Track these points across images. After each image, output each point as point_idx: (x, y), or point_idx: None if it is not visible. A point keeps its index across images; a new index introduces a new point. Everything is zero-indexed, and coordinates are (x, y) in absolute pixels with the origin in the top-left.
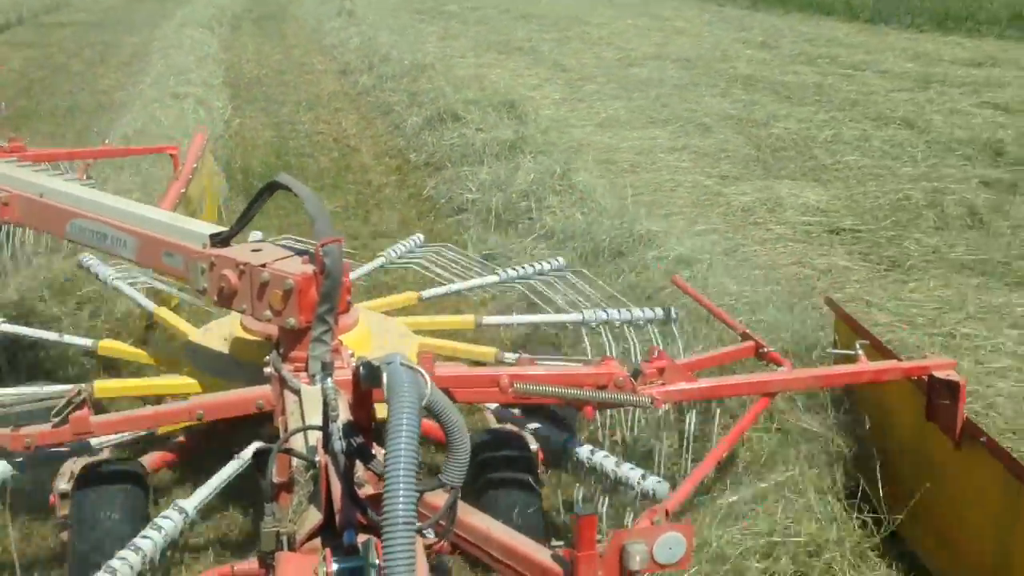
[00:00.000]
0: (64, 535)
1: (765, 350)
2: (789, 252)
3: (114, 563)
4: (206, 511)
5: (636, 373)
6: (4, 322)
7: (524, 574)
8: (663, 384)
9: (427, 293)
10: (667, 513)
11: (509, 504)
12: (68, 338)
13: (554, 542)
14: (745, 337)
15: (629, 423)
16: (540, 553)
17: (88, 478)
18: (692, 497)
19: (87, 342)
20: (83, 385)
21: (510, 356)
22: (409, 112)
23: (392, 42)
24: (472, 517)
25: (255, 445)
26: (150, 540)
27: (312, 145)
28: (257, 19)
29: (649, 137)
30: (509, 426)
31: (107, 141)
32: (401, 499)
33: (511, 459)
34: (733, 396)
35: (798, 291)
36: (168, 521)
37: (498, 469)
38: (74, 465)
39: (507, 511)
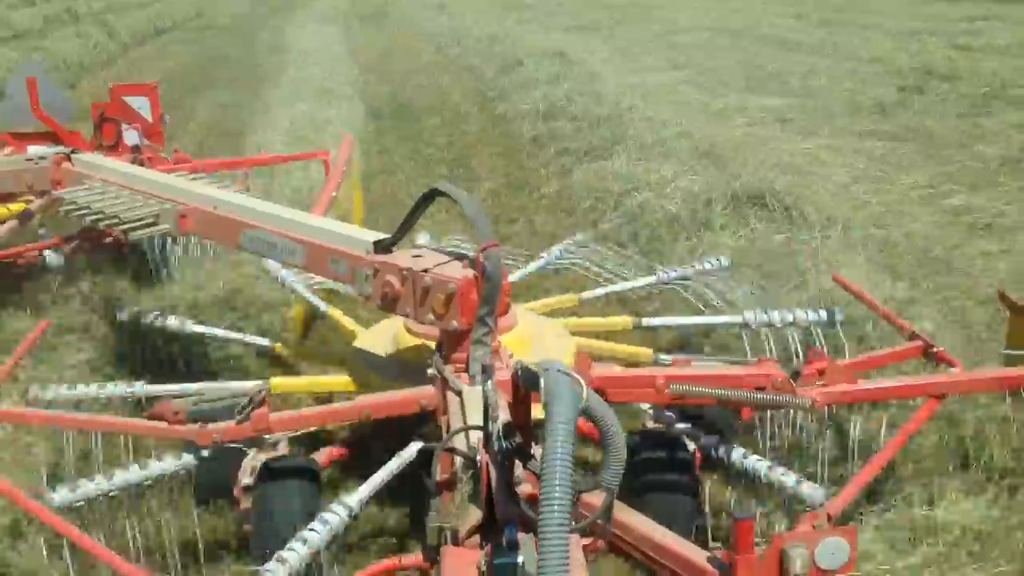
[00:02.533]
0: (247, 527)
1: (934, 350)
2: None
3: (284, 554)
4: (369, 504)
5: (795, 375)
6: (192, 322)
7: (681, 575)
8: (824, 385)
9: (586, 295)
10: (828, 518)
11: (667, 506)
12: (248, 337)
13: (712, 544)
14: (912, 337)
15: (787, 426)
16: (697, 555)
17: (268, 474)
18: (854, 502)
19: (264, 341)
20: (262, 383)
21: (666, 357)
22: (487, 67)
23: (476, 23)
24: (630, 517)
25: (416, 445)
26: (317, 533)
27: (416, 91)
28: (362, 16)
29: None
30: (667, 427)
31: (261, 151)
32: (557, 501)
33: (669, 461)
34: (899, 399)
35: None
36: (334, 516)
37: (656, 471)
38: (255, 461)
39: (665, 513)
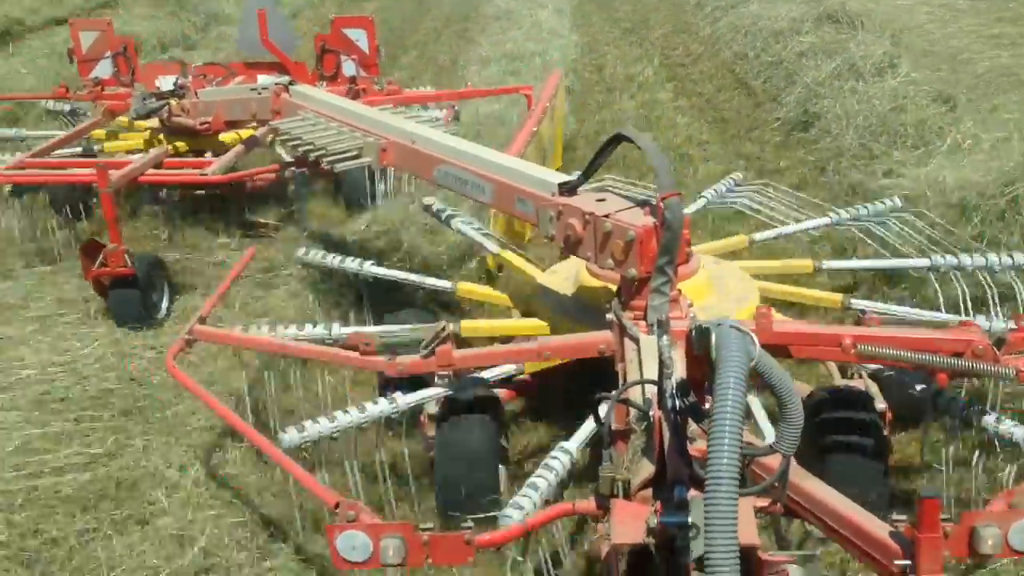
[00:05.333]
0: (431, 453)
1: None
2: None
3: (519, 499)
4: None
5: (1000, 341)
6: (372, 264)
7: (860, 547)
8: None
9: (758, 236)
10: None
11: (850, 470)
12: (430, 280)
13: (895, 516)
14: None
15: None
16: (879, 528)
17: (452, 406)
18: None
19: (447, 284)
20: (446, 322)
21: (859, 303)
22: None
23: None
24: (808, 483)
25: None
26: (544, 479)
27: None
28: None
29: None
30: (855, 382)
31: (468, 84)
32: (725, 463)
33: (854, 421)
34: None
35: None
36: (557, 461)
37: (839, 432)
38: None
39: (848, 478)
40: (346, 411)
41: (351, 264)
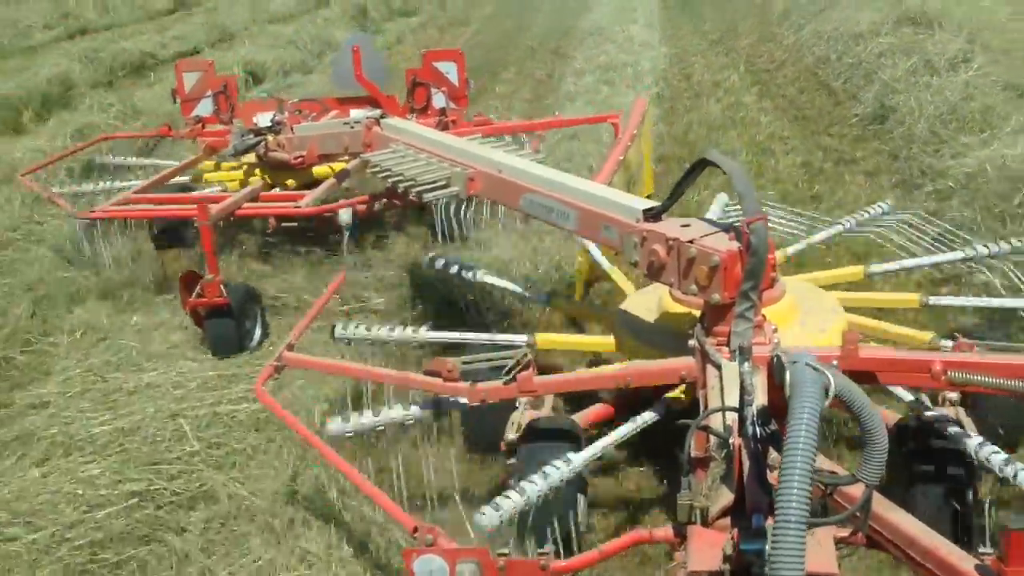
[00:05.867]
0: (509, 481)
1: None
2: None
3: (499, 500)
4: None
5: None
6: (485, 273)
7: None
8: None
9: (874, 268)
10: None
11: (935, 502)
12: (502, 337)
13: (982, 549)
14: None
15: None
16: (964, 561)
17: (531, 433)
18: None
19: (522, 339)
20: (527, 346)
21: (948, 343)
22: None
23: None
24: (892, 513)
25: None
26: (535, 485)
27: None
28: None
29: None
30: (945, 411)
31: (556, 113)
32: (795, 497)
33: (943, 450)
34: None
35: None
36: (555, 470)
37: (926, 461)
38: (521, 418)
39: (933, 509)
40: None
41: (402, 333)
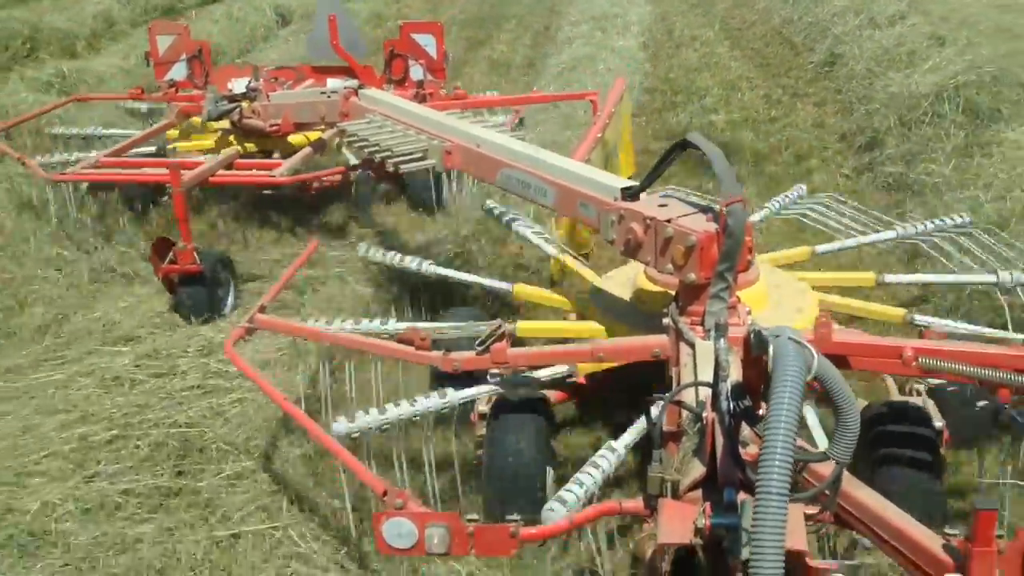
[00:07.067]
0: (480, 451)
1: None
2: None
3: (563, 494)
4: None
5: None
6: (431, 264)
7: (911, 559)
8: None
9: (821, 248)
10: None
11: (904, 484)
12: (488, 281)
13: (948, 530)
14: None
15: None
16: (931, 541)
17: (503, 404)
18: None
19: (505, 285)
20: (501, 320)
21: (922, 318)
22: None
23: None
24: (861, 492)
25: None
26: (591, 476)
27: None
28: None
29: None
30: (913, 399)
31: (535, 88)
32: (776, 469)
33: (910, 436)
34: None
35: None
36: (604, 460)
37: (894, 445)
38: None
39: (901, 492)
40: (397, 404)
41: (411, 263)
